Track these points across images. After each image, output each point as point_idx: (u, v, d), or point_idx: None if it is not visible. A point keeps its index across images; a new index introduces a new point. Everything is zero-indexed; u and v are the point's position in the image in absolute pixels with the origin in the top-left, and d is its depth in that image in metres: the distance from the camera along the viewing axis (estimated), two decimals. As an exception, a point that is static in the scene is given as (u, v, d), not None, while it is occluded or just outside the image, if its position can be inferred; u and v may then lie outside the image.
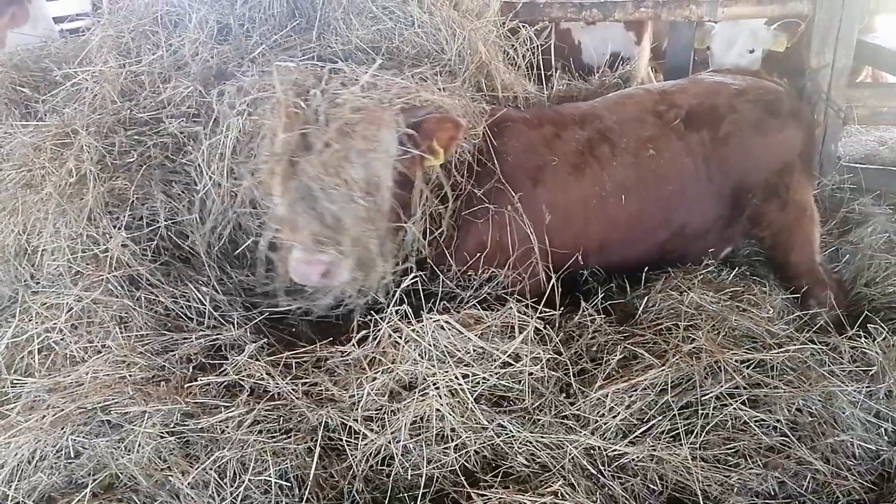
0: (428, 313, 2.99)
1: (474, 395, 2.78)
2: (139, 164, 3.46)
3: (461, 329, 2.91)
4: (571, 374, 2.95)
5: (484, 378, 2.83)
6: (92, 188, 3.31)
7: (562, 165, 3.46)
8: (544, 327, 3.06)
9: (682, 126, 3.63)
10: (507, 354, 2.86)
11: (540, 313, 3.10)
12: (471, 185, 3.35)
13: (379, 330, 2.99)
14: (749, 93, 3.77)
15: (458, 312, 3.05)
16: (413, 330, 2.91)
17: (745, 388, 2.87)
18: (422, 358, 2.84)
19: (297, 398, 2.80)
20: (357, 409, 2.76)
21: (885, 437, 2.88)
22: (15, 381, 2.95)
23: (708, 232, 3.76)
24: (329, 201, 2.85)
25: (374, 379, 2.82)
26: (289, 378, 2.89)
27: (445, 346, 2.88)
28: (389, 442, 2.67)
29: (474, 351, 2.89)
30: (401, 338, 2.91)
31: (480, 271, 3.36)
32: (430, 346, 2.86)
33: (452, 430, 2.69)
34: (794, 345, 3.09)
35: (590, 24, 5.87)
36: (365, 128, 2.85)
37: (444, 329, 2.92)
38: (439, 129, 3.01)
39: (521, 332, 2.95)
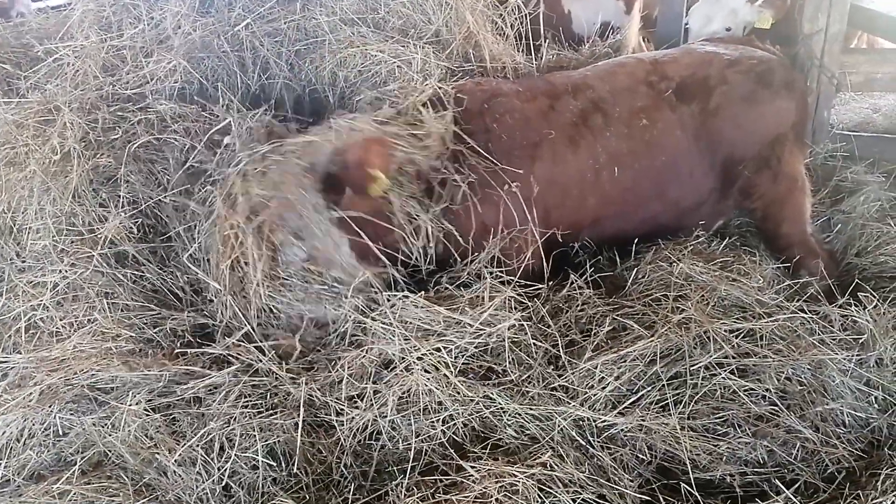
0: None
1: (457, 369, 2.77)
2: (124, 142, 3.42)
3: (428, 303, 2.89)
4: (560, 345, 2.94)
5: (462, 348, 2.80)
6: (76, 166, 3.28)
7: (558, 139, 3.41)
8: (520, 295, 3.03)
9: (674, 98, 3.59)
10: (480, 322, 2.83)
11: (523, 286, 3.07)
12: (465, 169, 3.20)
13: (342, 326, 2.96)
14: (741, 63, 3.70)
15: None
16: (373, 317, 2.89)
17: (734, 358, 2.86)
18: (393, 337, 2.81)
19: (280, 374, 2.80)
20: (339, 390, 2.74)
21: (875, 405, 2.87)
22: (2, 360, 2.94)
23: (702, 206, 3.73)
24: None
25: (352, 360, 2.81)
26: (270, 356, 2.88)
27: (417, 324, 2.85)
28: (376, 418, 2.66)
29: (447, 324, 2.85)
30: (368, 322, 2.89)
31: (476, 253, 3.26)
32: (399, 325, 2.83)
33: (439, 403, 2.68)
34: (784, 314, 3.08)
35: (579, -7, 5.79)
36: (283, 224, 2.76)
37: (414, 307, 2.89)
38: (366, 156, 2.78)
39: (491, 301, 2.91)
